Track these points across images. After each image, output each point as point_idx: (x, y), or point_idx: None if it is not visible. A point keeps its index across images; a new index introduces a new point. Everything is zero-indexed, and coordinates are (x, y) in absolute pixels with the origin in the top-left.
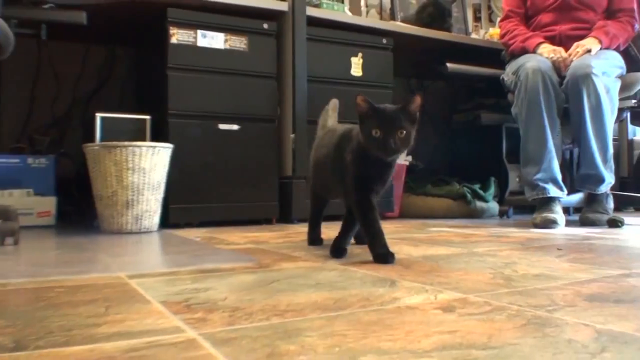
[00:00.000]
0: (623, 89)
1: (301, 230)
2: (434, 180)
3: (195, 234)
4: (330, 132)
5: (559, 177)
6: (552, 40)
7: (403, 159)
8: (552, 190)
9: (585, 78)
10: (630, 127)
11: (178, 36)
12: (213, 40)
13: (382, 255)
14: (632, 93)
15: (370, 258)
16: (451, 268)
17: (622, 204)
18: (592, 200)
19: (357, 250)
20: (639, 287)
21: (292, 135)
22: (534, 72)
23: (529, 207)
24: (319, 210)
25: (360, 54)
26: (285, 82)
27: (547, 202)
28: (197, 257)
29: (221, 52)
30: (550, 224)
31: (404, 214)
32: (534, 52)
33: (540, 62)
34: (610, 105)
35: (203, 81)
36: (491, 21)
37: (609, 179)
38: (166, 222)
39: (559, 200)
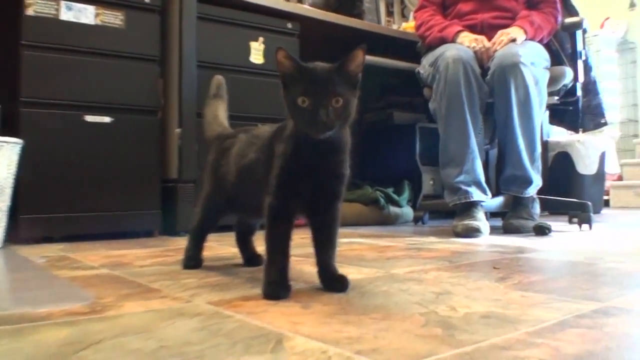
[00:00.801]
0: (547, 83)
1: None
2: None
3: (46, 252)
4: (258, 132)
5: (483, 179)
6: (473, 29)
7: None
8: (476, 194)
9: (512, 68)
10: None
11: (36, 7)
12: (81, 13)
13: (272, 289)
14: (556, 88)
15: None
16: (365, 307)
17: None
18: (517, 205)
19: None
20: (632, 336)
21: (178, 130)
22: (455, 62)
23: (445, 213)
24: (211, 225)
25: (261, 39)
26: (171, 67)
27: (469, 207)
28: (13, 293)
29: (91, 29)
30: (472, 232)
31: None
32: (453, 41)
33: (460, 51)
34: (539, 98)
35: (67, 63)
36: (404, 16)
37: (537, 180)
38: (16, 236)
39: (482, 205)
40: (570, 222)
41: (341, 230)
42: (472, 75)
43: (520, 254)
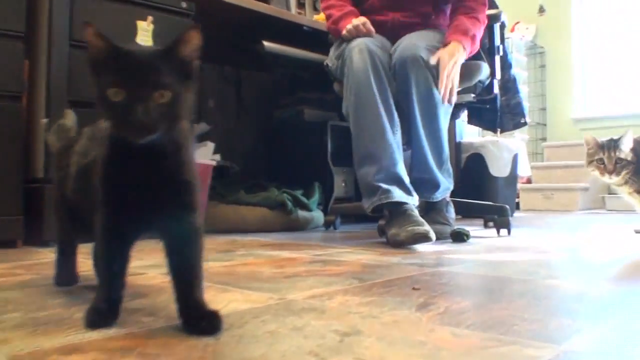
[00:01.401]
0: (461, 78)
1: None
2: (249, 186)
3: None
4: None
5: (406, 178)
6: (384, 26)
7: (208, 157)
8: (398, 194)
9: (413, 61)
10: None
11: None
12: None
13: (91, 315)
14: (471, 84)
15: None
16: None
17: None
18: (430, 210)
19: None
20: None
21: (45, 121)
22: (361, 52)
23: (357, 217)
24: (70, 235)
25: (150, 18)
26: (38, 46)
27: (403, 210)
28: None
29: None
30: (421, 239)
31: (211, 228)
32: (343, 36)
33: (367, 40)
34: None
35: None
36: (315, 9)
37: (446, 184)
38: None
39: (414, 207)
40: (486, 226)
41: (241, 239)
42: (380, 65)
43: (441, 267)
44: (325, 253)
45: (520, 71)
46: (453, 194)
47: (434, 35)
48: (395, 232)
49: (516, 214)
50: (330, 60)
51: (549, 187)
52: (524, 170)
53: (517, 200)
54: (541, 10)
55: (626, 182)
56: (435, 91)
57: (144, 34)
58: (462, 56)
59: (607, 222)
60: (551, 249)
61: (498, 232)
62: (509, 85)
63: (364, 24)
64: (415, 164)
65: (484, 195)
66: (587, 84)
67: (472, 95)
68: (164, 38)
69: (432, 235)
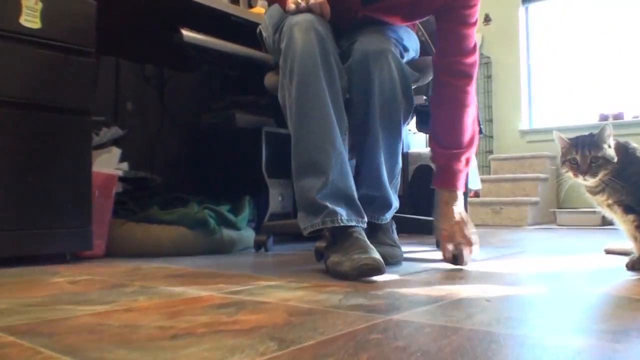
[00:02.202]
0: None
1: None
2: (167, 200)
3: None
4: None
5: (355, 194)
6: (343, 17)
7: (113, 166)
8: (346, 216)
9: (379, 55)
10: (406, 137)
11: None
12: None
13: None
14: (424, 83)
15: None
16: None
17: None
18: (376, 231)
19: None
20: None
21: None
22: (306, 31)
23: (297, 235)
24: None
25: None
26: None
27: (349, 233)
28: None
29: None
30: (370, 272)
31: (115, 251)
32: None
33: (314, 17)
34: (407, 99)
35: None
36: (251, 6)
37: (396, 202)
38: None
39: (363, 230)
40: (439, 245)
41: (145, 267)
42: (330, 50)
43: (394, 312)
44: (245, 289)
45: None
46: (399, 209)
47: (409, 38)
48: (338, 260)
49: None
50: (265, 28)
51: (498, 202)
52: (475, 183)
53: None
54: (487, 19)
55: (603, 190)
56: (398, 93)
57: (31, 13)
58: (461, 202)
59: (566, 240)
60: (522, 277)
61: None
62: None
63: (320, 4)
64: (365, 178)
65: (432, 210)
66: (534, 95)
67: (424, 97)
68: (55, 19)
69: (383, 267)
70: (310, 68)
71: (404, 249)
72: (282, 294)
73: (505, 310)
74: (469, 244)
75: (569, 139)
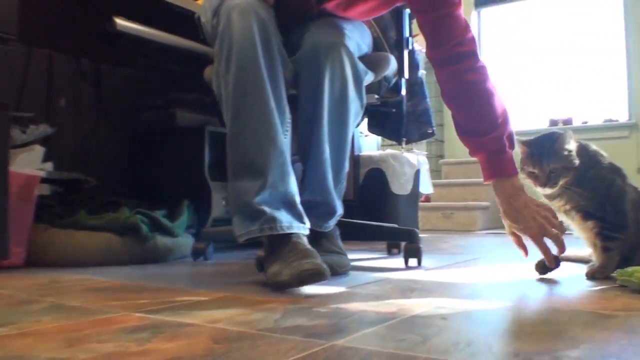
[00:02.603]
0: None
1: None
2: (98, 204)
3: None
4: None
5: (298, 198)
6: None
7: (35, 166)
8: (287, 222)
9: (331, 49)
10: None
11: None
12: None
13: None
14: (377, 79)
15: None
16: None
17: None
18: (321, 238)
19: None
20: None
21: None
22: (245, 14)
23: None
24: None
25: None
26: None
27: (287, 239)
28: None
29: None
30: (310, 278)
31: (37, 260)
32: None
33: (255, 2)
34: (358, 99)
35: None
36: None
37: (340, 209)
38: None
39: (305, 236)
40: (390, 252)
41: (66, 279)
42: (273, 37)
43: (337, 335)
44: (169, 307)
45: None
46: (350, 214)
47: (363, 33)
48: (277, 269)
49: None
50: (203, 12)
51: (449, 206)
52: (426, 187)
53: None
54: None
55: (561, 195)
56: (350, 91)
57: None
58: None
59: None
60: (478, 288)
61: (406, 262)
62: (416, 88)
63: None
64: (310, 182)
65: (383, 215)
66: None
67: (376, 96)
68: None
69: (326, 272)
70: (249, 55)
71: (353, 256)
72: (211, 314)
73: (464, 331)
74: (562, 229)
75: (528, 145)
